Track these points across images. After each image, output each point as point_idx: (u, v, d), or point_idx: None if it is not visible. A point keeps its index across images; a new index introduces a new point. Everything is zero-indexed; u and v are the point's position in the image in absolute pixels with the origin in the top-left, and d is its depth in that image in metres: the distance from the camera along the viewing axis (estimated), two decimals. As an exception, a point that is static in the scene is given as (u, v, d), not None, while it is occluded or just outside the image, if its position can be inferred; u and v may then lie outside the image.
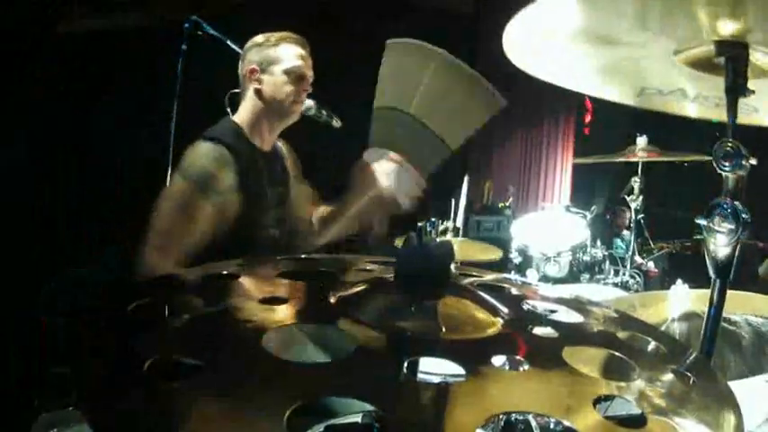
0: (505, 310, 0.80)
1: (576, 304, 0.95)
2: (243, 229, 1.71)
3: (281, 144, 2.00)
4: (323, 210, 1.99)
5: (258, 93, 1.81)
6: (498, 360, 0.70)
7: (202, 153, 1.68)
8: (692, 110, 1.25)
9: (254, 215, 1.76)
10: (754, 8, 0.87)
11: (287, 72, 1.81)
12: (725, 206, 0.93)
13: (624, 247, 4.79)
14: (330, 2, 4.70)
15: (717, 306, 0.97)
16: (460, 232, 3.52)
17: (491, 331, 0.74)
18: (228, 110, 1.91)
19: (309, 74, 1.86)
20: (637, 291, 3.33)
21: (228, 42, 2.13)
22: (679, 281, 1.57)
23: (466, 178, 2.78)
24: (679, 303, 1.51)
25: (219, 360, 0.60)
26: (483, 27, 6.03)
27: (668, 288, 1.57)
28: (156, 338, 0.65)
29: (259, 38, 1.84)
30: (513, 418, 0.91)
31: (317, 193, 2.05)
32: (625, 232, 5.16)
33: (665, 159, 3.16)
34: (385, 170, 1.68)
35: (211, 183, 1.63)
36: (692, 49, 1.00)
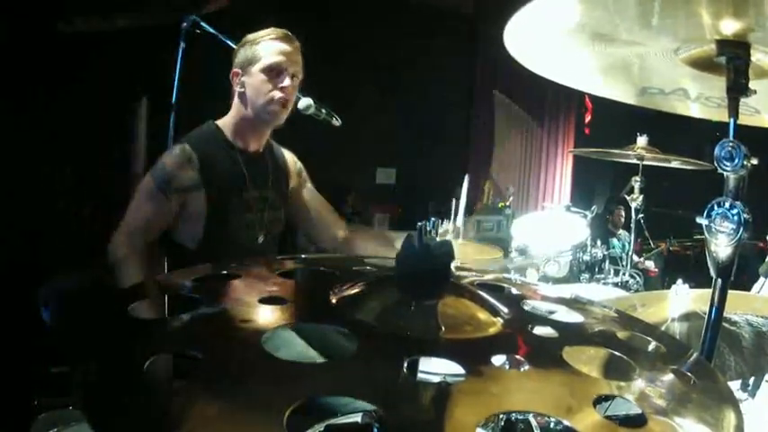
0: (505, 309, 0.80)
1: (576, 304, 0.94)
2: (214, 228, 1.70)
3: (285, 152, 1.96)
4: (358, 236, 2.00)
5: (240, 96, 1.76)
6: (498, 360, 0.70)
7: (169, 153, 1.71)
8: (694, 110, 1.25)
9: (224, 214, 1.73)
10: (755, 8, 0.87)
11: (264, 70, 1.70)
12: (726, 206, 0.93)
13: (621, 246, 4.78)
14: (330, 1, 4.70)
15: (718, 306, 0.97)
16: (460, 232, 3.51)
17: (491, 331, 0.74)
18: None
19: (292, 70, 1.73)
20: (637, 290, 3.32)
21: (228, 41, 2.12)
22: (679, 281, 1.56)
23: (466, 178, 2.76)
24: (679, 303, 1.51)
25: (219, 360, 0.60)
26: (483, 27, 6.03)
27: (668, 288, 1.57)
28: (156, 338, 0.65)
29: (248, 37, 1.78)
30: (513, 418, 0.91)
31: (342, 221, 2.05)
32: (621, 231, 5.16)
33: (663, 165, 3.13)
34: None
35: (170, 181, 1.66)
36: (693, 49, 1.00)
